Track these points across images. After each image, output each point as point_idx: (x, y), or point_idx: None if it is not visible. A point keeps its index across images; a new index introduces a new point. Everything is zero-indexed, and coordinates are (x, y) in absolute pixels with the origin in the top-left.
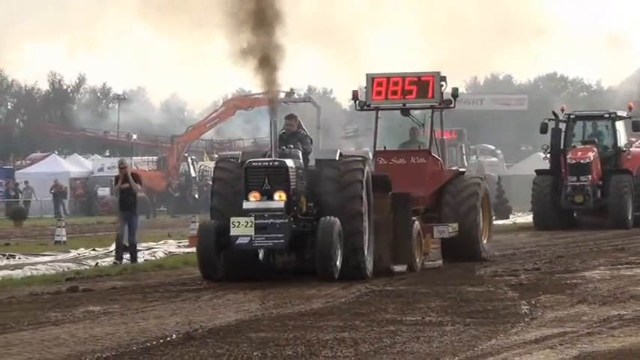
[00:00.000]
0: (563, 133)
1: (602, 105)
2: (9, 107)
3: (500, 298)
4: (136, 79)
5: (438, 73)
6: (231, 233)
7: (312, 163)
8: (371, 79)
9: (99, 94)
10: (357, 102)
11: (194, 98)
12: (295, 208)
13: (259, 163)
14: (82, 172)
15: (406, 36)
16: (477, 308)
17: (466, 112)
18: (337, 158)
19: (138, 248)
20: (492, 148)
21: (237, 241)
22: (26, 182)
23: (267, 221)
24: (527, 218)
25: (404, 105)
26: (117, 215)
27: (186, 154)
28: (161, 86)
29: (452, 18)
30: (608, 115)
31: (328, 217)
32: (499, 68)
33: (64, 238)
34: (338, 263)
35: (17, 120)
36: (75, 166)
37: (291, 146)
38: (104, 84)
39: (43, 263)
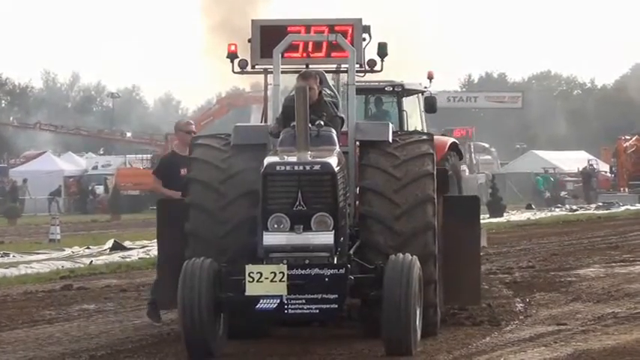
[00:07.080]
0: None
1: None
2: (2, 105)
3: (495, 296)
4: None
5: (360, 20)
6: (247, 292)
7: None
8: (258, 27)
9: (93, 92)
10: (238, 61)
11: (188, 96)
12: (342, 238)
13: (288, 168)
14: (76, 171)
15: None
16: (472, 306)
17: (460, 110)
18: (390, 140)
19: (130, 247)
20: (486, 146)
21: (259, 306)
22: (25, 180)
23: (307, 272)
24: (522, 216)
25: (307, 66)
26: None
27: None
28: (155, 84)
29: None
30: (391, 89)
31: (400, 257)
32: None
33: (59, 236)
34: (418, 330)
35: (11, 118)
36: (69, 164)
37: (321, 123)
38: (99, 82)
39: (38, 261)
